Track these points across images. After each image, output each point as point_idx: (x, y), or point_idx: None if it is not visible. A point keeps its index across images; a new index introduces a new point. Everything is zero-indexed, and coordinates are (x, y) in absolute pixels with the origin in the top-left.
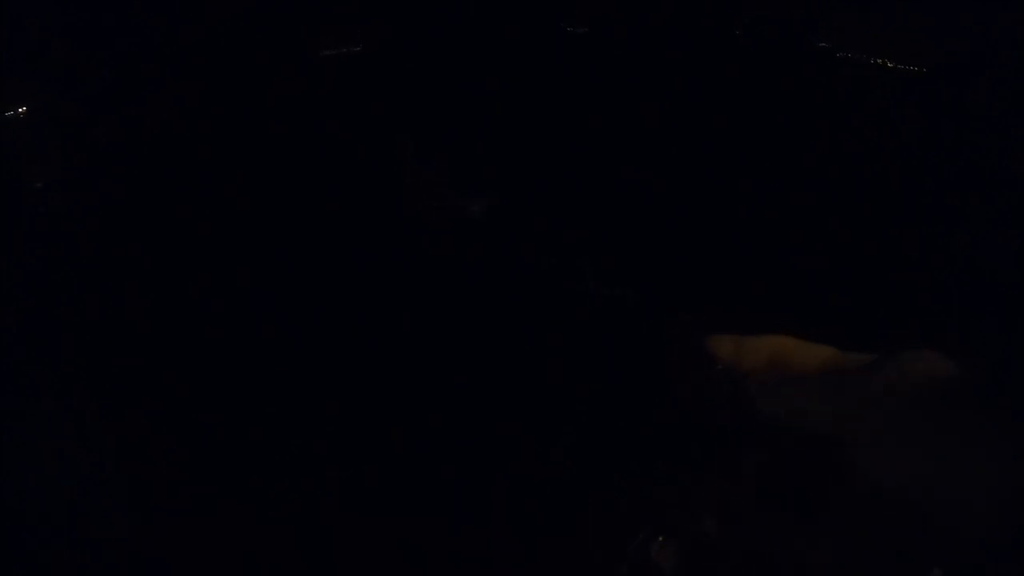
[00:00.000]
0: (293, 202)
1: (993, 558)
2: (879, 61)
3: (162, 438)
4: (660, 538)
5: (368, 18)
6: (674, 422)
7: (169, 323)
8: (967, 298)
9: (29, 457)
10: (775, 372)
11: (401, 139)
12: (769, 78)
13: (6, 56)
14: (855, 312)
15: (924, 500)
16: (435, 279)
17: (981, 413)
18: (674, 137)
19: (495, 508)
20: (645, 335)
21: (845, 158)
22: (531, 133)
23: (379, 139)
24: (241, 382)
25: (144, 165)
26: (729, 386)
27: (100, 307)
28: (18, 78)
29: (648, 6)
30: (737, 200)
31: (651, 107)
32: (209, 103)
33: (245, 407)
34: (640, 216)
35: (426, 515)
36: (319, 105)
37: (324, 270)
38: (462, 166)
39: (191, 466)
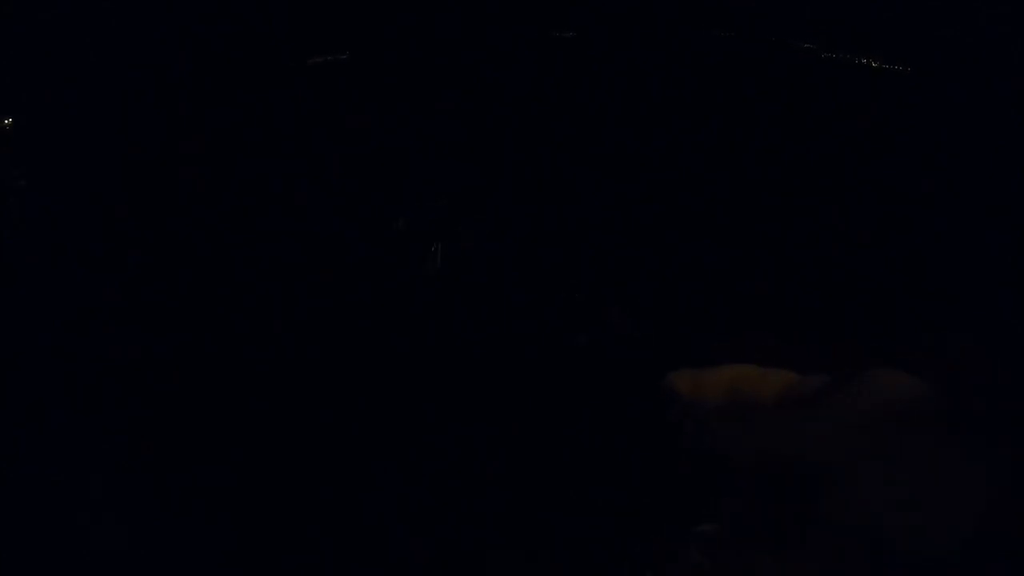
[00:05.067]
0: (280, 209)
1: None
2: (864, 61)
3: (153, 445)
4: (648, 574)
5: (354, 25)
6: (644, 461)
7: (155, 329)
8: (930, 312)
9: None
10: (734, 404)
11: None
12: (754, 81)
13: None
14: (819, 328)
15: (896, 525)
16: (423, 306)
17: (947, 432)
18: (657, 144)
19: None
20: (614, 377)
21: (814, 147)
22: (520, 144)
23: (368, 147)
24: (230, 386)
25: (128, 178)
26: (692, 422)
27: (83, 310)
28: (5, 87)
29: (632, 10)
30: (699, 192)
31: (635, 114)
32: (195, 111)
33: (235, 417)
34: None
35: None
36: (306, 114)
37: (311, 284)
38: (451, 185)
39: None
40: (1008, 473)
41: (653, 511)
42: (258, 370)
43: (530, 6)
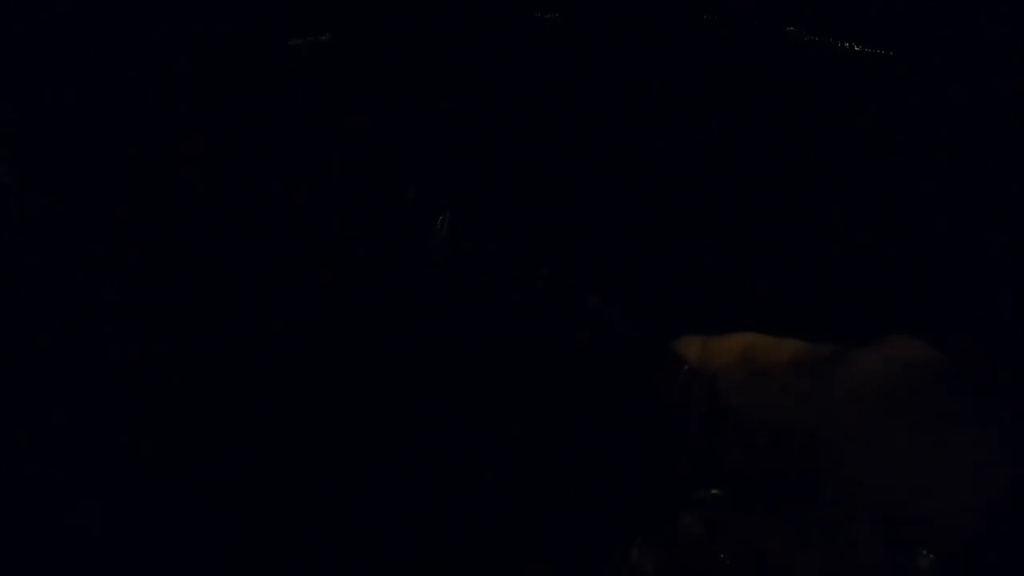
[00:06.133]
0: (280, 209)
1: (986, 551)
2: (863, 61)
3: (153, 445)
4: (640, 538)
5: (336, 5)
6: (646, 425)
7: (155, 329)
8: (930, 312)
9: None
10: (744, 370)
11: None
12: (744, 67)
13: None
14: (827, 303)
15: (908, 495)
16: (423, 307)
17: (962, 402)
18: (641, 129)
19: (470, 520)
20: (618, 346)
21: (814, 146)
22: (520, 144)
23: (352, 132)
24: (226, 386)
25: (128, 178)
26: (700, 387)
27: (79, 308)
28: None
29: (632, 10)
30: (698, 192)
31: (620, 99)
32: (195, 111)
33: (230, 418)
34: (606, 216)
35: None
36: (306, 114)
37: (311, 284)
38: (451, 185)
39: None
40: None
41: (653, 511)
42: (258, 370)
43: (530, 6)
